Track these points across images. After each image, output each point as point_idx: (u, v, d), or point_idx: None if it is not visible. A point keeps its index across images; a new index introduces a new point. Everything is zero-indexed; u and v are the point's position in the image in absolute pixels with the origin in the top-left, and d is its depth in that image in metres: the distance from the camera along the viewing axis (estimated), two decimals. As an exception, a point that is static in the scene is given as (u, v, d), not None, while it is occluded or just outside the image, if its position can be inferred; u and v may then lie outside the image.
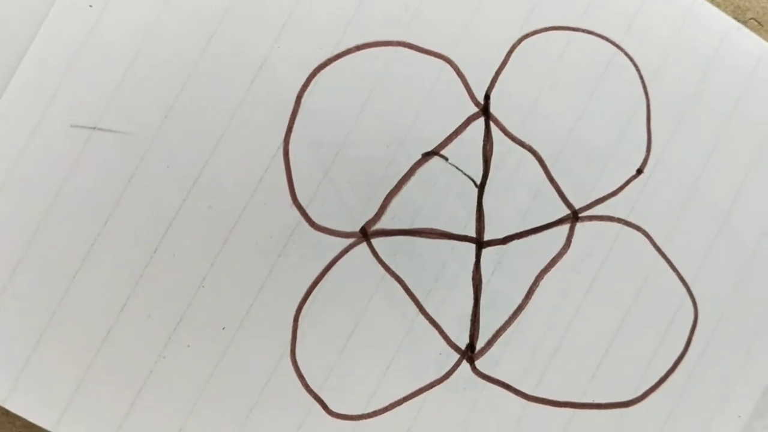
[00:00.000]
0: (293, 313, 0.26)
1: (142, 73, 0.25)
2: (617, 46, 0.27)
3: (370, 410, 0.26)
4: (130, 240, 0.25)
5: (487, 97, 0.27)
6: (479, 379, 0.27)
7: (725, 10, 0.29)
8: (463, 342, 0.27)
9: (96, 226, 0.25)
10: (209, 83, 0.25)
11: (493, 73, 0.27)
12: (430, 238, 0.27)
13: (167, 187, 0.25)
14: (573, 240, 0.27)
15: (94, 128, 0.25)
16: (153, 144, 0.25)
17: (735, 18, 0.29)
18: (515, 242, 0.27)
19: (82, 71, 0.25)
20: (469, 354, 0.27)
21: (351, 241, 0.26)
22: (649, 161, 0.28)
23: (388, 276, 0.26)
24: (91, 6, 0.25)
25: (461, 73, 0.27)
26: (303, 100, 0.26)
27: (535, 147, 0.27)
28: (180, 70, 0.25)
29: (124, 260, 0.25)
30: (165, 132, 0.25)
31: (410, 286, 0.27)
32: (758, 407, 0.28)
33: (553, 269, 0.27)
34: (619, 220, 0.28)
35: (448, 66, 0.26)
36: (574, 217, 0.27)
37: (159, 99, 0.25)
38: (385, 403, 0.26)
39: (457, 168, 0.27)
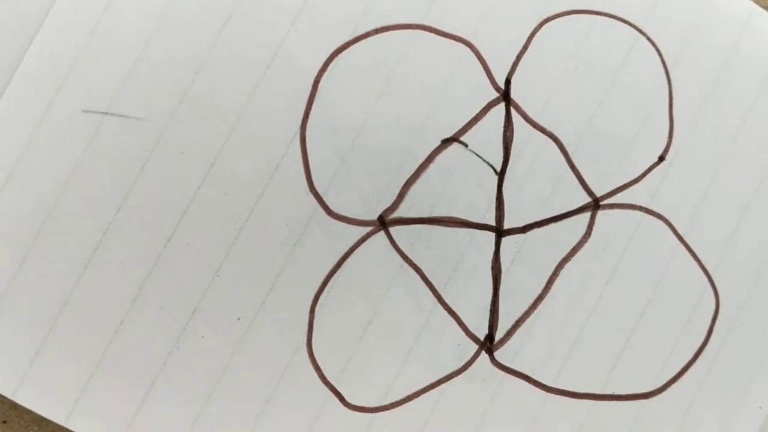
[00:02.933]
0: (310, 303, 0.26)
1: (155, 57, 0.25)
2: (639, 31, 0.27)
3: (387, 402, 0.26)
4: (143, 228, 0.25)
5: (507, 81, 0.26)
6: (498, 371, 0.27)
7: (747, -5, 0.28)
8: (482, 333, 0.27)
9: (108, 214, 0.25)
10: (224, 68, 0.25)
11: (514, 58, 0.26)
12: (448, 226, 0.26)
13: (181, 174, 0.25)
14: (594, 228, 0.27)
15: (106, 113, 0.24)
16: (167, 130, 0.25)
17: (757, 3, 0.28)
18: (535, 231, 0.27)
19: (93, 55, 0.24)
20: (488, 345, 0.27)
21: (368, 229, 0.26)
22: (671, 148, 0.27)
23: (405, 265, 0.26)
24: (102, -12, 0.25)
25: (482, 57, 0.26)
26: (320, 85, 0.25)
27: (555, 133, 0.27)
28: (195, 54, 0.25)
29: (137, 249, 0.25)
30: (179, 117, 0.25)
31: (428, 276, 0.26)
32: (779, 398, 0.28)
33: (573, 258, 0.27)
34: (640, 208, 0.27)
35: (468, 50, 0.26)
36: (595, 205, 0.27)
37: (173, 84, 0.25)
38: (403, 395, 0.26)
39: (476, 155, 0.26)
